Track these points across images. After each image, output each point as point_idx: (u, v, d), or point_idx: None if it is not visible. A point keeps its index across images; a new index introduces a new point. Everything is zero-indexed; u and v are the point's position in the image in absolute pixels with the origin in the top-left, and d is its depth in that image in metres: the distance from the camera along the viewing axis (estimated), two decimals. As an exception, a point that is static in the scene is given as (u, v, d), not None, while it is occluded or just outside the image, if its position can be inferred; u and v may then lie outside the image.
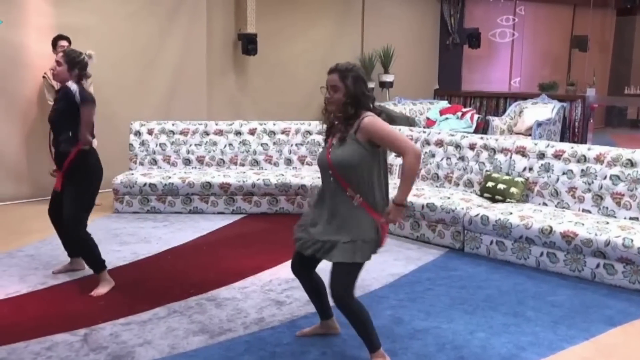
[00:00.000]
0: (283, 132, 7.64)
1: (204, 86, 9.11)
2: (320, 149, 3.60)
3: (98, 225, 5.60)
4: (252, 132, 7.65)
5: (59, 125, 4.55)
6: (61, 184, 4.52)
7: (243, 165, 7.52)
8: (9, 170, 7.36)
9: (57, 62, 4.57)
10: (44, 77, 7.06)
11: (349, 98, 3.32)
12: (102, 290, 4.57)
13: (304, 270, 3.67)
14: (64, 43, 6.93)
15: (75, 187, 4.51)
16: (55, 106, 4.64)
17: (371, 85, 11.62)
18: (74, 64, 4.56)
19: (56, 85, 6.88)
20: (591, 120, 11.14)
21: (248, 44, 9.48)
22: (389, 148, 3.40)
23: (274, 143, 7.60)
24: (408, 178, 3.31)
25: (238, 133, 7.64)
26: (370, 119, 3.32)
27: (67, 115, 4.47)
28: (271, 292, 4.62)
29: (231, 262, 5.32)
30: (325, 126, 3.55)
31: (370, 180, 3.35)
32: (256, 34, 9.56)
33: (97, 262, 4.65)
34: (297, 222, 3.59)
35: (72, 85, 4.50)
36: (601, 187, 5.44)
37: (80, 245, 4.68)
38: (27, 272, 4.97)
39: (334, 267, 3.38)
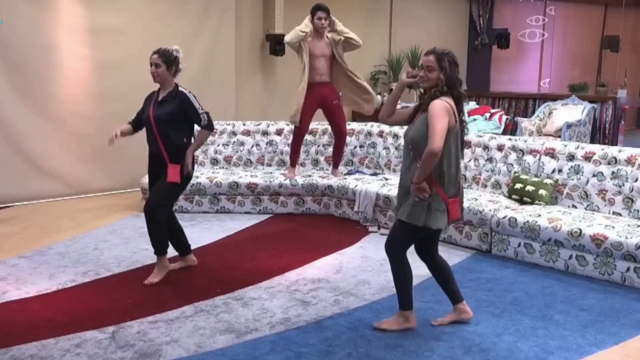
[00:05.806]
0: (310, 133, 7.63)
1: (232, 86, 9.16)
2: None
3: (126, 224, 5.65)
4: (279, 132, 7.67)
5: (171, 125, 4.70)
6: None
7: (270, 165, 7.55)
8: (41, 169, 7.45)
9: (155, 64, 4.67)
10: None
11: (446, 79, 3.67)
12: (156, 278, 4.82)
13: (423, 253, 4.04)
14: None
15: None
16: (164, 107, 4.71)
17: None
18: (171, 62, 4.72)
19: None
20: (622, 122, 10.98)
21: (276, 44, 9.52)
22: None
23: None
24: (421, 164, 3.61)
25: (265, 133, 7.67)
26: (436, 102, 3.63)
27: (179, 117, 4.69)
28: (297, 292, 4.63)
29: (258, 261, 5.34)
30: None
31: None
32: (284, 34, 9.57)
33: (162, 245, 4.84)
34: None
35: (186, 90, 4.74)
36: (632, 190, 5.36)
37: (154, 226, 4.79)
38: (57, 270, 5.05)
39: (395, 222, 3.90)
